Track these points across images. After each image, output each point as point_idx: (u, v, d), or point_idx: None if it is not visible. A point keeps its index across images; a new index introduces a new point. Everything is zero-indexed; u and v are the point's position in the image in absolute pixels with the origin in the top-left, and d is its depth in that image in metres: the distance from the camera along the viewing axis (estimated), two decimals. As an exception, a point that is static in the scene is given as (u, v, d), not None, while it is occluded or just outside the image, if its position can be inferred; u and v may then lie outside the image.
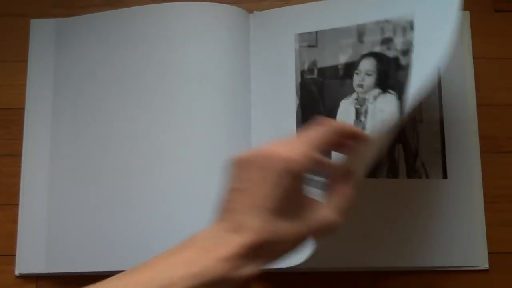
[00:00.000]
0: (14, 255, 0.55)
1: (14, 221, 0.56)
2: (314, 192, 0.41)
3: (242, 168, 0.38)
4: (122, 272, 0.35)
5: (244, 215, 0.36)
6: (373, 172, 0.55)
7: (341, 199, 0.40)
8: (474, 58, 0.59)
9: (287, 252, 0.38)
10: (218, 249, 0.35)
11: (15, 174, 0.57)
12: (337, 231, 0.39)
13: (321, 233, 0.39)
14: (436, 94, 0.57)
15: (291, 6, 0.59)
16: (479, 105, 0.58)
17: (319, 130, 0.40)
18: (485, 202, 0.56)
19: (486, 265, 0.55)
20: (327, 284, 0.55)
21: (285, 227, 0.37)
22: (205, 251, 0.35)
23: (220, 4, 0.58)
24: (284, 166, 0.37)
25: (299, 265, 0.52)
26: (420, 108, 0.57)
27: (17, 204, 0.56)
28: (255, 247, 0.36)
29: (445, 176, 0.56)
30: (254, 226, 0.36)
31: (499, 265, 0.55)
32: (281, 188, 0.37)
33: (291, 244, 0.38)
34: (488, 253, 0.55)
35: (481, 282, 0.55)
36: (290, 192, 0.37)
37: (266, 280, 0.55)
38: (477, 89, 0.58)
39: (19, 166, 0.57)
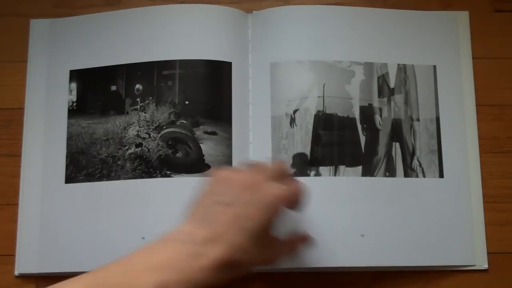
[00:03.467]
0: (14, 255, 0.55)
1: (14, 221, 0.56)
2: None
3: (224, 184, 0.41)
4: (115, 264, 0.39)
5: (226, 229, 0.39)
6: (371, 171, 0.55)
7: (294, 250, 0.49)
8: (473, 58, 0.59)
9: (249, 270, 0.43)
10: (200, 259, 0.37)
11: (15, 174, 0.57)
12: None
13: (273, 265, 0.45)
14: (432, 93, 0.57)
15: (291, 6, 0.59)
16: (478, 105, 0.58)
17: (278, 165, 0.45)
18: (485, 202, 0.56)
19: (485, 265, 0.55)
20: (325, 284, 0.55)
21: (256, 252, 0.40)
22: (189, 258, 0.37)
23: (217, 6, 0.58)
24: (273, 201, 0.40)
25: (298, 266, 0.52)
26: (417, 106, 0.57)
27: (17, 204, 0.56)
28: (227, 263, 0.38)
29: (441, 175, 0.56)
30: (233, 242, 0.38)
31: (498, 265, 0.55)
32: (266, 218, 0.40)
33: (254, 267, 0.44)
34: (488, 253, 0.55)
35: (480, 282, 0.54)
36: (268, 223, 0.41)
37: (264, 280, 0.55)
38: (477, 89, 0.58)
39: (19, 166, 0.57)
